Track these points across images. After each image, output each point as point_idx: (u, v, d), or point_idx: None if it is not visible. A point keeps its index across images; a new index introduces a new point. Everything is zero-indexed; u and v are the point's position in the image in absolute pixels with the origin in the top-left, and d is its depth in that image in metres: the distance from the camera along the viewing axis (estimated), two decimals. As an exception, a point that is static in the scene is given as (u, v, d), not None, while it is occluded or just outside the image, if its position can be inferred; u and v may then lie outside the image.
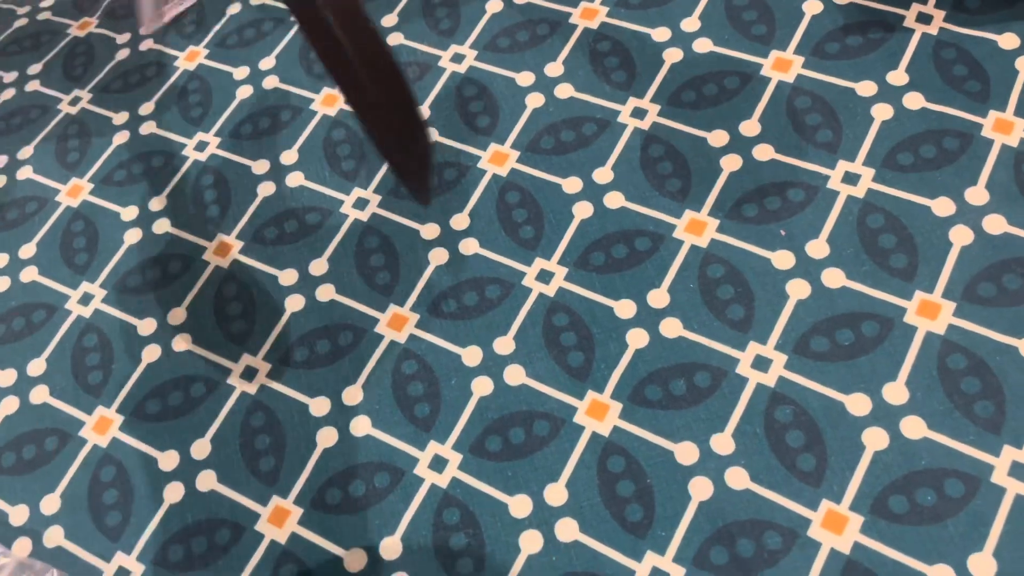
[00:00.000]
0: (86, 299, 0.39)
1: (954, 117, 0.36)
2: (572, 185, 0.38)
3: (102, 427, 0.36)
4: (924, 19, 0.38)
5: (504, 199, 0.38)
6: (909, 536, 0.29)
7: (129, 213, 0.41)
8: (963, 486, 0.30)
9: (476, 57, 0.42)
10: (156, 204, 0.41)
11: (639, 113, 0.39)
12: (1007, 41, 0.37)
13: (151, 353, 0.37)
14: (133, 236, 0.41)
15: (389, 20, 0.43)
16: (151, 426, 0.36)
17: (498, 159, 0.39)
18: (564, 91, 0.40)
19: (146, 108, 0.44)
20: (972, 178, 0.35)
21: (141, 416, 0.36)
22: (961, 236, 0.34)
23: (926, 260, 0.33)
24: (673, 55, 0.40)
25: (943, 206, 0.34)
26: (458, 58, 0.42)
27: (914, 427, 0.31)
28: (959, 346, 0.32)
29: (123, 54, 0.46)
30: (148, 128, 0.43)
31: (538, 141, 0.39)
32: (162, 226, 0.41)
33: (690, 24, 0.40)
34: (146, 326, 0.38)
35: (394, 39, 0.43)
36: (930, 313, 0.33)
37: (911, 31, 0.38)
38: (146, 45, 0.46)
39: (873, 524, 0.30)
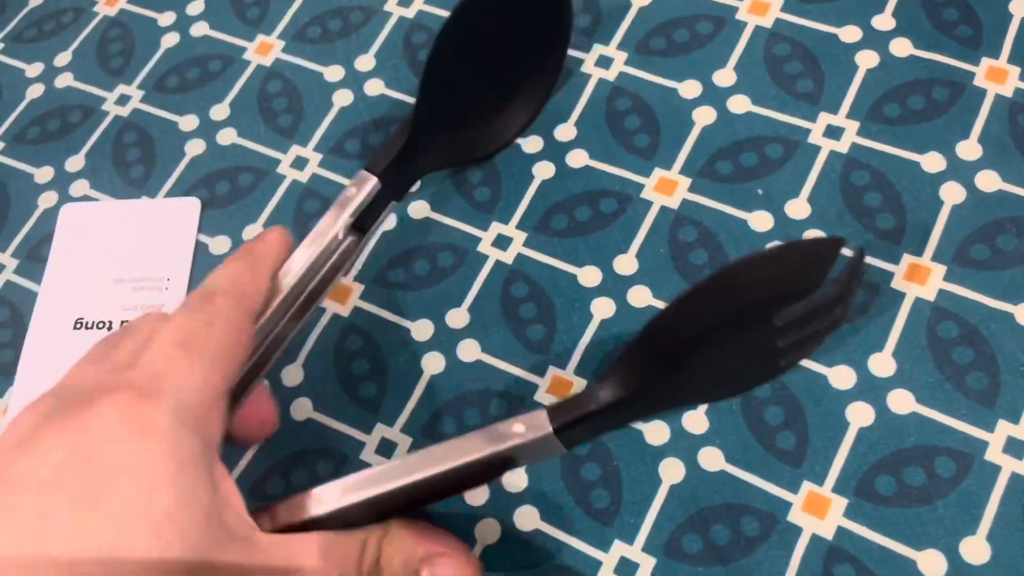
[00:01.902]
0: (-5, 271, 0.36)
1: (944, 65, 0.33)
2: (533, 144, 0.34)
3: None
4: (912, -42, 0.35)
5: (457, 157, 0.35)
6: (897, 519, 0.27)
7: (44, 175, 0.37)
8: (955, 464, 0.27)
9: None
10: (73, 164, 0.37)
11: (604, 62, 0.35)
12: (1001, -18, 0.34)
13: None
14: (48, 200, 0.37)
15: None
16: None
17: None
18: (523, 38, 0.37)
19: (62, 59, 0.40)
20: (964, 131, 0.32)
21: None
22: (952, 194, 0.31)
23: (915, 221, 0.31)
24: (641, -2, 0.36)
25: (933, 161, 0.32)
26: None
27: (902, 401, 0.28)
28: (950, 313, 0.29)
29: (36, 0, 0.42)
30: (64, 80, 0.39)
31: (494, 93, 0.36)
32: (80, 189, 0.37)
33: (660, -35, 0.37)
34: (61, 300, 0.34)
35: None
36: (919, 278, 0.30)
37: (898, -29, 0.35)
38: (63, -10, 0.42)
39: (858, 507, 0.27)
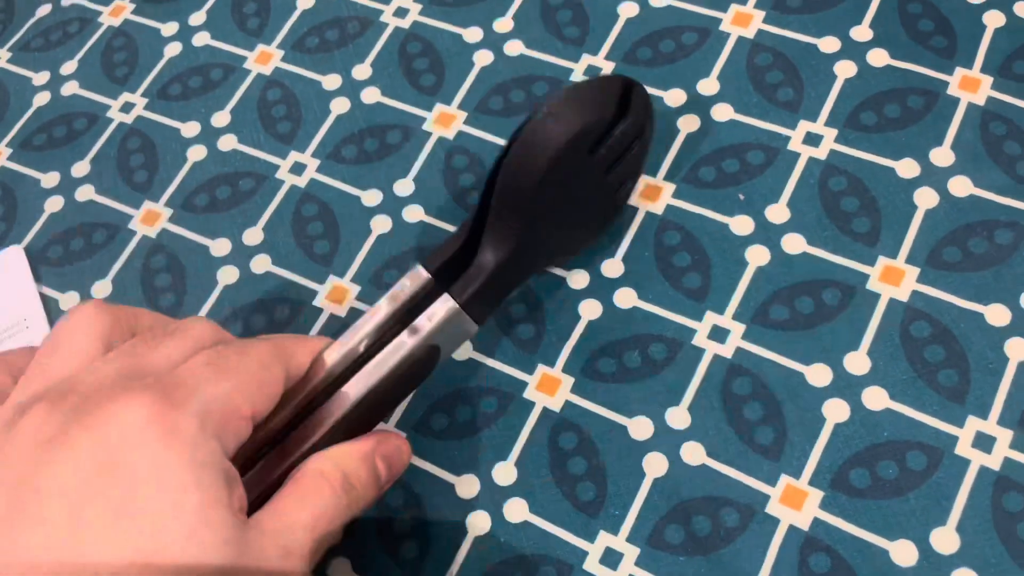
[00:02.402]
0: (3, 273, 0.37)
1: (919, 74, 0.34)
2: (522, 148, 0.36)
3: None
4: (889, -28, 0.36)
5: (450, 164, 0.36)
6: (870, 511, 0.28)
7: (50, 180, 0.39)
8: (926, 458, 0.29)
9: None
10: (79, 170, 0.39)
11: (592, 71, 0.37)
12: (974, -5, 0.35)
13: (73, 330, 0.35)
14: (54, 204, 0.38)
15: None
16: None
17: (444, 120, 0.37)
18: (514, 48, 0.38)
19: (68, 67, 0.41)
20: (938, 138, 0.33)
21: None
22: (926, 199, 0.32)
23: (889, 224, 0.32)
24: (628, 9, 0.38)
25: (907, 168, 0.33)
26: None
27: (876, 398, 0.30)
28: (923, 313, 0.31)
29: (44, 10, 0.43)
30: (70, 89, 0.41)
31: (487, 102, 0.37)
32: (85, 193, 0.38)
33: (647, -23, 0.38)
34: (68, 301, 0.36)
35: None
36: (893, 279, 0.31)
37: (876, -16, 0.36)
38: (68, 0, 0.43)
39: (833, 499, 0.28)
